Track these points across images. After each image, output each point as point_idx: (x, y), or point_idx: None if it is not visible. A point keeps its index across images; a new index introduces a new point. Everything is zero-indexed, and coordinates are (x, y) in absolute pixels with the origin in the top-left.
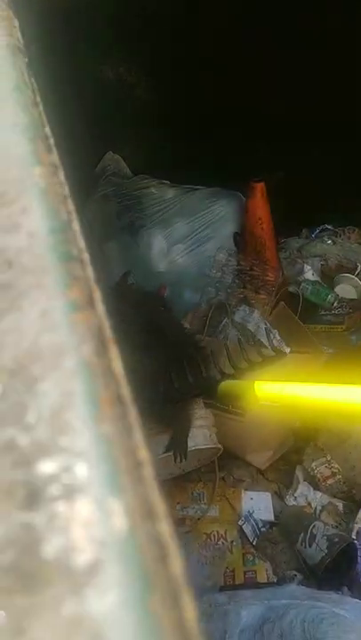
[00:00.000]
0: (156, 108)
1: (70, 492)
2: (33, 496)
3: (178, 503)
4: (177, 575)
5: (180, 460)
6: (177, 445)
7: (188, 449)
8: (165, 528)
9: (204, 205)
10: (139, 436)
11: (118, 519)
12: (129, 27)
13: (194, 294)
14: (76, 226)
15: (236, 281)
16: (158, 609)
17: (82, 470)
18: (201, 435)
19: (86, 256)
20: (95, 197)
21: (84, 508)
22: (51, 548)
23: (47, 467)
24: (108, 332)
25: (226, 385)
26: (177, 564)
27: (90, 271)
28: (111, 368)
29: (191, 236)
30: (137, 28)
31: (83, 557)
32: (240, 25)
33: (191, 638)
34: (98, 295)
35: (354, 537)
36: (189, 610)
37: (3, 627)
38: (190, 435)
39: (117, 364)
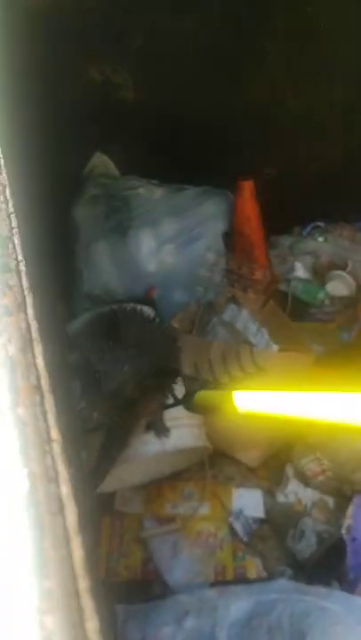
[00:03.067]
0: (143, 108)
1: None
2: None
3: (169, 502)
4: (69, 524)
5: (166, 436)
6: (155, 424)
7: (177, 448)
8: (64, 490)
9: (193, 205)
10: (52, 419)
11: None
12: (114, 27)
13: (183, 294)
14: (18, 240)
15: (225, 280)
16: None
17: None
18: (190, 434)
19: (24, 267)
20: (84, 198)
21: None
22: None
23: None
24: (35, 334)
25: (202, 395)
26: (71, 517)
27: (25, 281)
28: (35, 363)
29: (180, 235)
30: (123, 28)
31: None
32: (230, 22)
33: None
34: (30, 301)
35: (344, 532)
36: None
37: None
38: (179, 434)
39: (40, 360)
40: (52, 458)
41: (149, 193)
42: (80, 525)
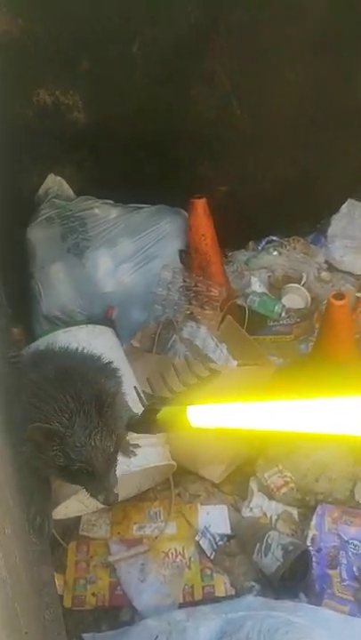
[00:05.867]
0: (94, 129)
1: None
2: None
3: (135, 523)
4: None
5: (134, 455)
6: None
7: (142, 467)
8: None
9: (148, 224)
10: None
11: None
12: (63, 50)
13: (142, 313)
14: None
15: (183, 298)
16: None
17: None
18: (154, 452)
19: None
20: (39, 220)
21: None
22: None
23: None
24: None
25: (166, 412)
26: None
27: None
28: None
29: (137, 254)
30: (72, 51)
31: None
32: (176, 43)
33: None
34: None
35: (309, 543)
36: None
37: None
38: (144, 453)
39: None
40: None
41: (105, 213)
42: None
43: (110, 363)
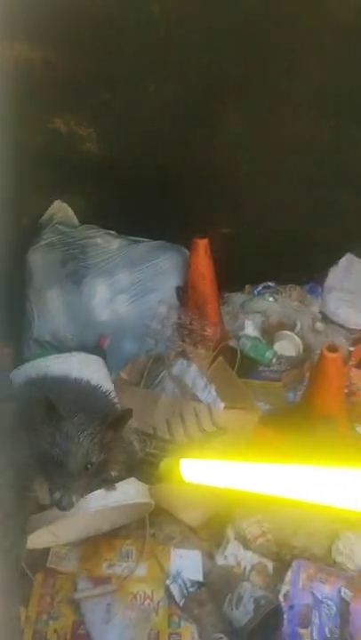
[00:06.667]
0: (104, 161)
1: None
2: None
3: (105, 560)
4: None
5: (113, 489)
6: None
7: (120, 503)
8: None
9: (148, 258)
10: None
11: None
12: (82, 82)
13: (134, 345)
14: None
15: (176, 334)
16: None
17: None
18: (133, 489)
19: None
20: (40, 244)
21: None
22: None
23: None
24: None
25: (167, 464)
26: None
27: None
28: None
29: (134, 287)
30: (90, 83)
31: None
32: (193, 88)
33: None
34: None
35: (281, 599)
36: None
37: None
38: (124, 489)
39: None
40: None
41: (107, 243)
42: None
43: (110, 393)
